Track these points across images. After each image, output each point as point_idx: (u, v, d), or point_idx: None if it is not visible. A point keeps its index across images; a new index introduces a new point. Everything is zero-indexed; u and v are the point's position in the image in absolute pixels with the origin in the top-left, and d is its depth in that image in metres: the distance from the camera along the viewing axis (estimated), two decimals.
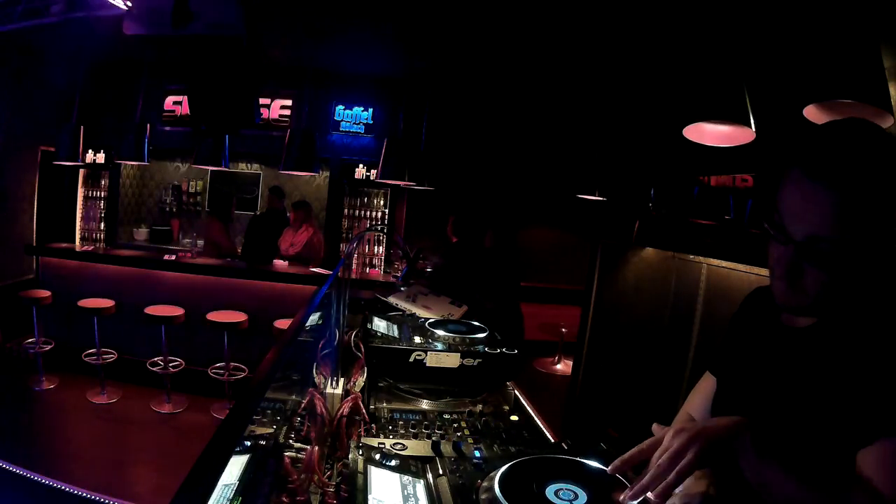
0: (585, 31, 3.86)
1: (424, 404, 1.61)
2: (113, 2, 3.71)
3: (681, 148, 2.62)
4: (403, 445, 1.26)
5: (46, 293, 4.51)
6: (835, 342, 0.88)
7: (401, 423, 1.42)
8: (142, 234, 7.08)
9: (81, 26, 4.28)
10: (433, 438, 1.29)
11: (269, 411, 1.09)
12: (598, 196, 5.33)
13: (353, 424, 1.30)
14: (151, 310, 4.32)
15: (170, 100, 6.09)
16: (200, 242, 6.52)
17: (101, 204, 5.90)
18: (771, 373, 0.97)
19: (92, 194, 5.91)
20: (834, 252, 0.82)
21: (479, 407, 1.58)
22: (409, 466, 1.11)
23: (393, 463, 1.10)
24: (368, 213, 6.27)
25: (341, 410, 1.28)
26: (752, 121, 1.95)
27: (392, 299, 2.42)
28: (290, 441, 1.15)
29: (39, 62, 5.16)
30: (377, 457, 1.11)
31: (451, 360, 1.70)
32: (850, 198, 0.79)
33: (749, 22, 2.67)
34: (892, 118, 1.71)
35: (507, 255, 4.11)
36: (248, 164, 7.61)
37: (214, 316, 4.22)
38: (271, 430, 1.10)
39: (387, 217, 6.29)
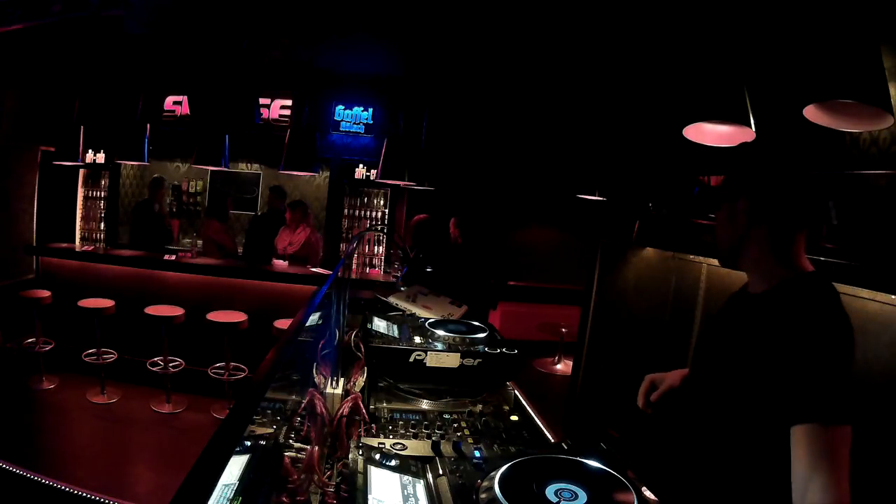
0: (586, 31, 3.86)
1: (424, 404, 1.61)
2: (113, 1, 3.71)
3: (681, 148, 2.62)
4: (403, 445, 1.26)
5: (46, 293, 4.51)
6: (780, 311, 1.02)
7: (401, 423, 1.42)
8: None
9: (81, 26, 4.28)
10: (433, 438, 1.29)
11: (269, 411, 1.09)
12: (598, 196, 5.33)
13: (353, 424, 1.30)
14: (151, 310, 4.32)
15: (170, 100, 6.09)
16: (200, 242, 6.52)
17: (101, 204, 5.88)
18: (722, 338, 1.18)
19: (92, 194, 5.90)
20: None
21: (479, 407, 1.58)
22: (409, 466, 1.11)
23: (393, 463, 1.10)
24: (368, 213, 6.26)
25: (341, 410, 1.28)
26: (752, 121, 1.95)
27: (392, 299, 2.42)
28: (290, 441, 1.15)
29: (40, 62, 5.15)
30: (377, 457, 1.11)
31: (451, 360, 1.70)
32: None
33: (749, 22, 2.67)
34: (892, 118, 1.71)
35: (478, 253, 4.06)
36: (248, 164, 7.61)
37: (214, 316, 4.22)
38: (271, 430, 1.10)
39: (387, 217, 6.28)
